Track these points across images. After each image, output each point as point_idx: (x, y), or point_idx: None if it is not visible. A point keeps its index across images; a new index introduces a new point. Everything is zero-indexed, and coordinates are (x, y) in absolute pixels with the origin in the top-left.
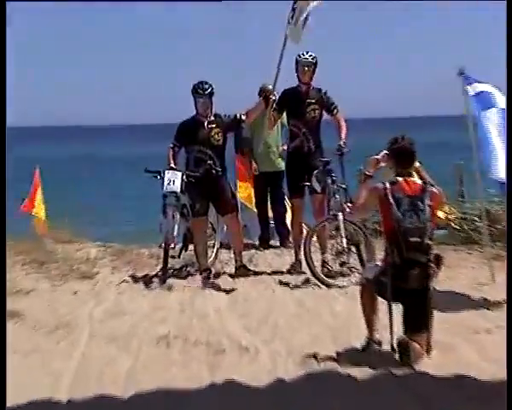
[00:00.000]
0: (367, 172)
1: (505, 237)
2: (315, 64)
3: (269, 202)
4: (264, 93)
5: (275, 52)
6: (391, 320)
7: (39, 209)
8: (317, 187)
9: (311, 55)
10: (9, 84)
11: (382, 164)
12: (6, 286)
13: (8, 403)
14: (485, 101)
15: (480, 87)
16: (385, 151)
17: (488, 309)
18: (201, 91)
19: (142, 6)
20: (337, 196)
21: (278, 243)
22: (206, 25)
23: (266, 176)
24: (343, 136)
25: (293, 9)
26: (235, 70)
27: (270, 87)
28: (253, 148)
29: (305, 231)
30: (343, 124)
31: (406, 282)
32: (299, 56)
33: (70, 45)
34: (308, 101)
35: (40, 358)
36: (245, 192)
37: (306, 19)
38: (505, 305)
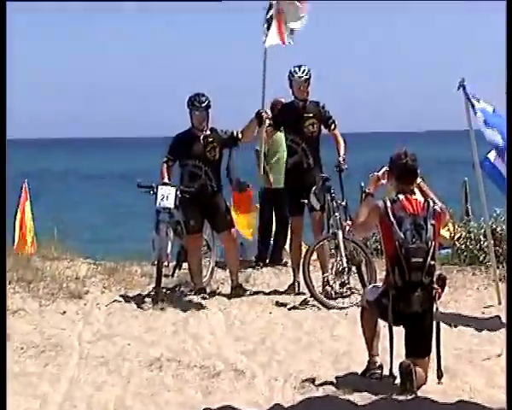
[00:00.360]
0: (367, 190)
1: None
2: (309, 78)
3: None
4: (257, 111)
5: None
6: (391, 344)
7: (29, 228)
8: (316, 204)
9: (304, 71)
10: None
11: (383, 181)
12: (6, 286)
13: None
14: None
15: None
16: (385, 168)
17: (495, 333)
18: (198, 104)
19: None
20: (336, 214)
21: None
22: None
23: (276, 193)
24: (342, 152)
25: (268, 19)
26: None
27: (283, 100)
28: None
29: (304, 251)
30: (341, 139)
31: (408, 304)
32: (292, 75)
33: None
34: (306, 115)
35: (27, 381)
36: (243, 223)
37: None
38: None
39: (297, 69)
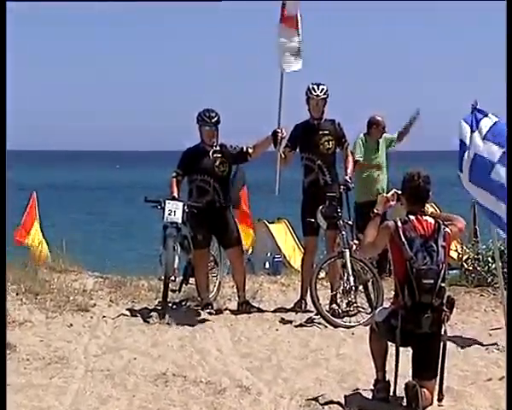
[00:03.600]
0: (376, 210)
1: None
2: (327, 97)
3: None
4: (274, 130)
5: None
6: (397, 365)
7: (35, 238)
8: (323, 223)
9: (322, 91)
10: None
11: (392, 203)
12: (6, 286)
13: None
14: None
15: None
16: (394, 190)
17: (502, 356)
18: (208, 119)
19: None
20: (343, 233)
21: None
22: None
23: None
24: (349, 171)
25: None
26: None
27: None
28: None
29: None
30: (351, 158)
31: (418, 326)
32: (311, 92)
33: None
34: (321, 132)
35: (32, 393)
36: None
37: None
38: None
39: (315, 87)
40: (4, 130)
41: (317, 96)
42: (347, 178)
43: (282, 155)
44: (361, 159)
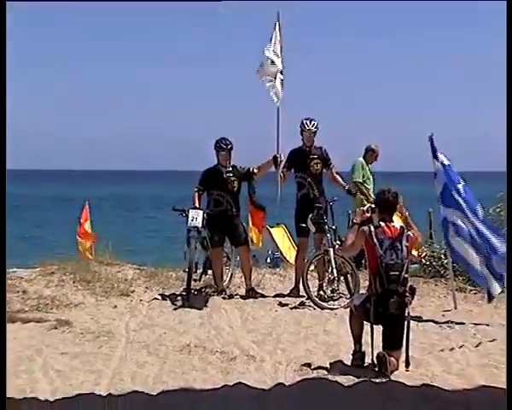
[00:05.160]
0: (354, 220)
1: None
2: (317, 130)
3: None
4: (274, 155)
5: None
6: (372, 339)
7: (87, 238)
8: (312, 228)
9: (314, 125)
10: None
11: (367, 214)
12: (5, 287)
13: (58, 396)
14: (451, 177)
15: (444, 160)
16: (369, 205)
17: (452, 331)
18: (224, 146)
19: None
20: (328, 235)
21: (281, 271)
22: None
23: None
24: (344, 184)
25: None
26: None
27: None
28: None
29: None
30: (339, 177)
31: (387, 308)
32: (304, 126)
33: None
34: (311, 157)
35: (85, 359)
36: (254, 234)
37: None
38: (465, 328)
39: (308, 122)
40: (4, 134)
41: (309, 129)
42: (347, 187)
43: (282, 175)
44: (360, 180)
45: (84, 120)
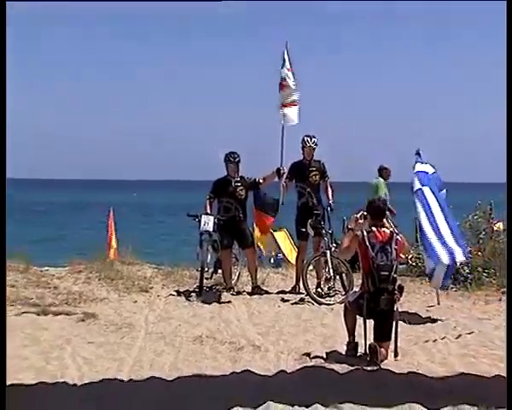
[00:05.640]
0: (349, 226)
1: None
2: (316, 146)
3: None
4: (277, 167)
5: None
6: (365, 331)
7: (112, 240)
8: (311, 232)
9: (314, 142)
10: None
11: (360, 221)
12: (5, 286)
13: (85, 381)
14: (423, 179)
15: (421, 167)
16: (362, 212)
17: (435, 325)
18: (232, 159)
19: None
20: (325, 239)
21: (283, 271)
22: None
23: None
24: (331, 196)
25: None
26: None
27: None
28: None
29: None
30: (330, 188)
31: (378, 304)
32: (305, 143)
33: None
34: (311, 169)
35: (109, 348)
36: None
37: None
38: (447, 322)
39: (309, 139)
40: (4, 136)
41: (310, 146)
42: (330, 202)
43: (284, 185)
44: (386, 198)
45: (84, 120)
